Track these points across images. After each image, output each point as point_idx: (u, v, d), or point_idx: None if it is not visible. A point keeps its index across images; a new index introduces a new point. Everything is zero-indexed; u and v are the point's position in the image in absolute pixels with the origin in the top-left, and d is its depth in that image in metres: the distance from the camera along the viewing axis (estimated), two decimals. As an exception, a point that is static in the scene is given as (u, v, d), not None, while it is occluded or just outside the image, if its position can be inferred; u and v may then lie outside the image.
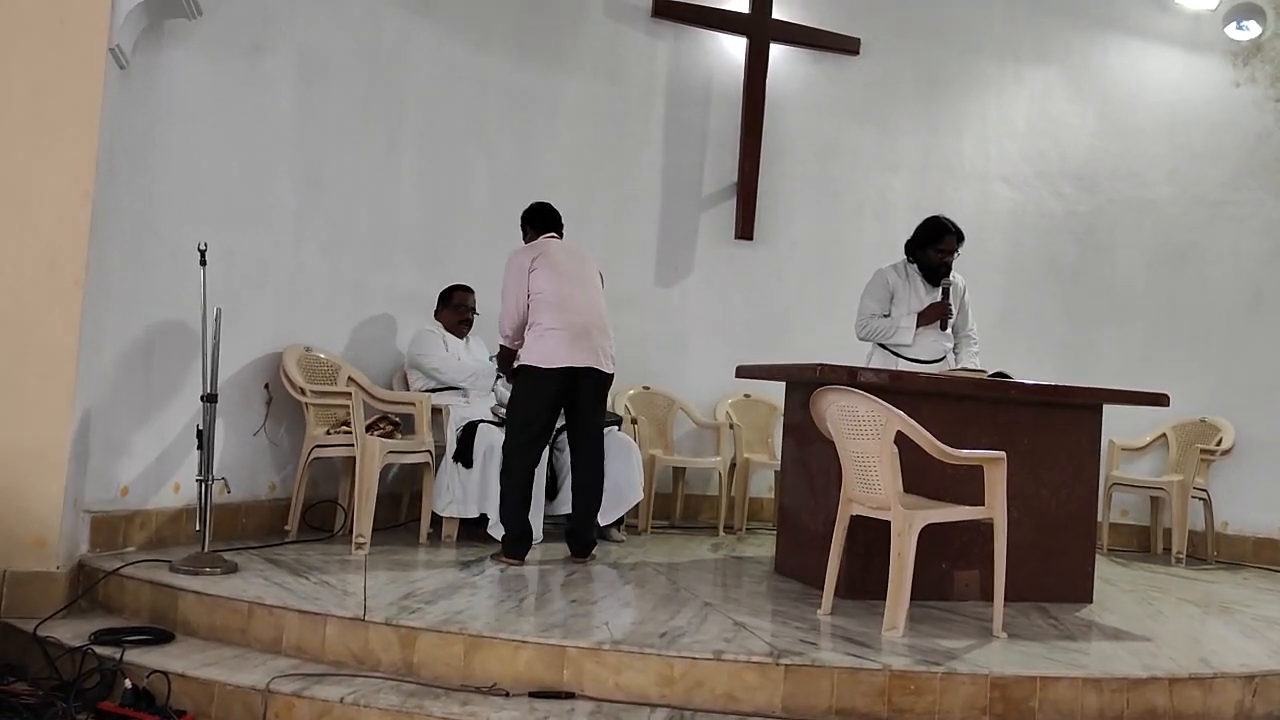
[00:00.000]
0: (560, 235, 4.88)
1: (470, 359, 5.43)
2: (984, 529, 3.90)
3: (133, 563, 3.86)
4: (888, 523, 3.69)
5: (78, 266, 3.73)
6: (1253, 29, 6.56)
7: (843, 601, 3.94)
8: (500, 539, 4.65)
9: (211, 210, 4.57)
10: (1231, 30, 6.58)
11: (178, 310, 4.32)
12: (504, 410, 5.40)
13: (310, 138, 5.14)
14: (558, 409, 4.68)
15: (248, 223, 4.81)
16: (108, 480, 4.17)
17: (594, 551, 4.76)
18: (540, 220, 4.90)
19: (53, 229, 3.72)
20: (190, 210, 4.46)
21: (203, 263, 3.97)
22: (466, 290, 5.54)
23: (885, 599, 3.59)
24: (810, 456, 4.50)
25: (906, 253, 5.08)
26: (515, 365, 4.68)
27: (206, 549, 3.90)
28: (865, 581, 4.07)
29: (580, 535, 4.72)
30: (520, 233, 4.97)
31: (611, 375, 4.72)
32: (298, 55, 5.05)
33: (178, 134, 4.46)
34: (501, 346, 4.83)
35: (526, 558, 4.57)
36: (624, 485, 5.28)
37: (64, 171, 3.74)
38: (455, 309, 5.50)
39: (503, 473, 4.70)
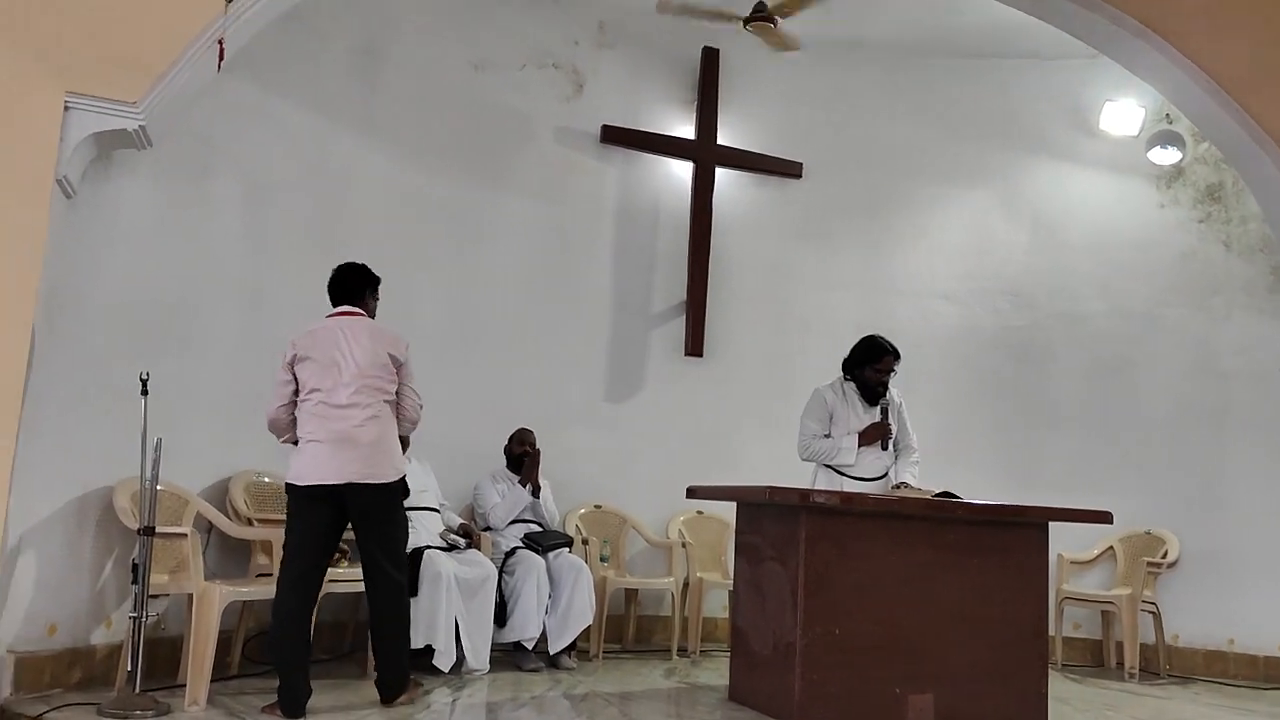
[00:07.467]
0: (360, 307, 4.20)
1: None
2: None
3: (58, 706, 3.69)
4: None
5: (12, 415, 3.63)
6: (1173, 155, 6.86)
7: (798, 730, 3.86)
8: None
9: (151, 336, 4.52)
10: (1155, 155, 6.88)
11: (113, 441, 4.19)
12: (453, 536, 5.29)
13: (254, 260, 5.14)
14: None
15: (187, 347, 4.75)
16: (35, 618, 4.00)
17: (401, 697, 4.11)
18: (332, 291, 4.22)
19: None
20: (130, 337, 4.42)
21: (144, 392, 3.90)
22: None
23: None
24: (763, 577, 4.47)
25: (844, 371, 5.12)
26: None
27: (138, 689, 3.74)
28: (820, 709, 4.02)
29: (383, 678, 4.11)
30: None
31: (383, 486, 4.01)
32: (244, 179, 5.10)
33: (120, 259, 4.45)
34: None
35: None
36: (574, 609, 5.22)
37: (4, 304, 3.68)
38: None
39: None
